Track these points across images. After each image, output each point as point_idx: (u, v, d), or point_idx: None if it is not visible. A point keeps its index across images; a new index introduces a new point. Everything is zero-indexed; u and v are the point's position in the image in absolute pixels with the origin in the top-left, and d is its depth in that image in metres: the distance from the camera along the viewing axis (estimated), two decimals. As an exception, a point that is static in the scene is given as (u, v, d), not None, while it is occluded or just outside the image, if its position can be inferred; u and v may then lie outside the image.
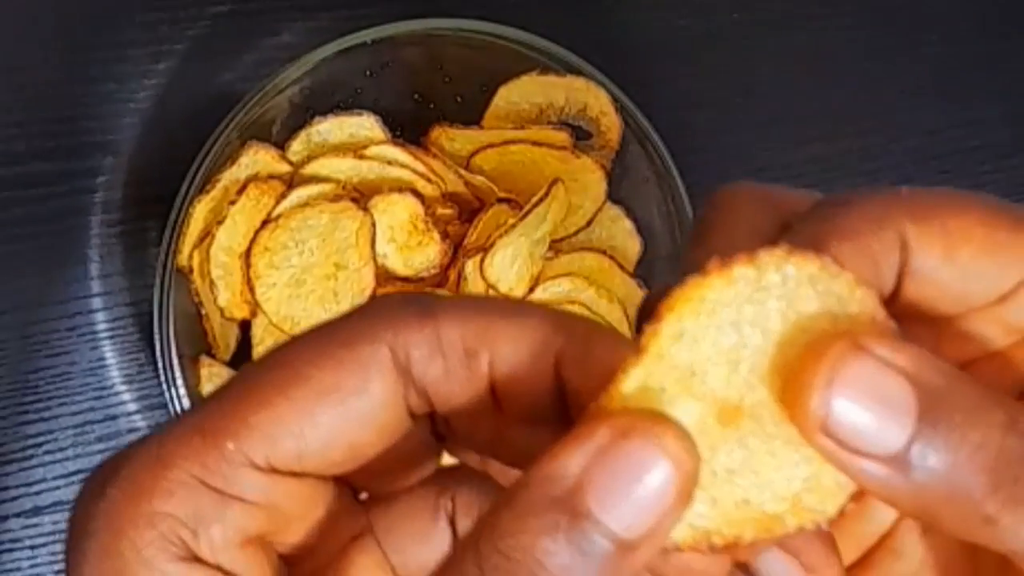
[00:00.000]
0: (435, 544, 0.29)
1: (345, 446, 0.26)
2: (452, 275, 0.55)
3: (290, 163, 0.55)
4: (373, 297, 0.27)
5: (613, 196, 0.58)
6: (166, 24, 0.58)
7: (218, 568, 0.26)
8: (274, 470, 0.26)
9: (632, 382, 0.24)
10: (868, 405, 0.23)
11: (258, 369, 0.26)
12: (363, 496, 0.30)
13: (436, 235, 0.54)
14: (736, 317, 0.24)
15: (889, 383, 0.23)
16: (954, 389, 0.24)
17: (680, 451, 0.23)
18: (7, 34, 0.56)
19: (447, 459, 0.30)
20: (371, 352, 0.26)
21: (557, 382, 0.26)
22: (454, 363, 0.26)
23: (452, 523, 0.29)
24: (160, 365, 0.51)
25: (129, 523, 0.25)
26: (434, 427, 0.29)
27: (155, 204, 0.56)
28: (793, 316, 0.24)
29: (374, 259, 0.54)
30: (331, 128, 0.55)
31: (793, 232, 0.27)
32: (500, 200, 0.55)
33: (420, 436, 0.28)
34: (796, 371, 0.24)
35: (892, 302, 0.27)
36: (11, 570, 0.55)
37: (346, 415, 0.26)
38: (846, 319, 0.24)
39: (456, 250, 0.55)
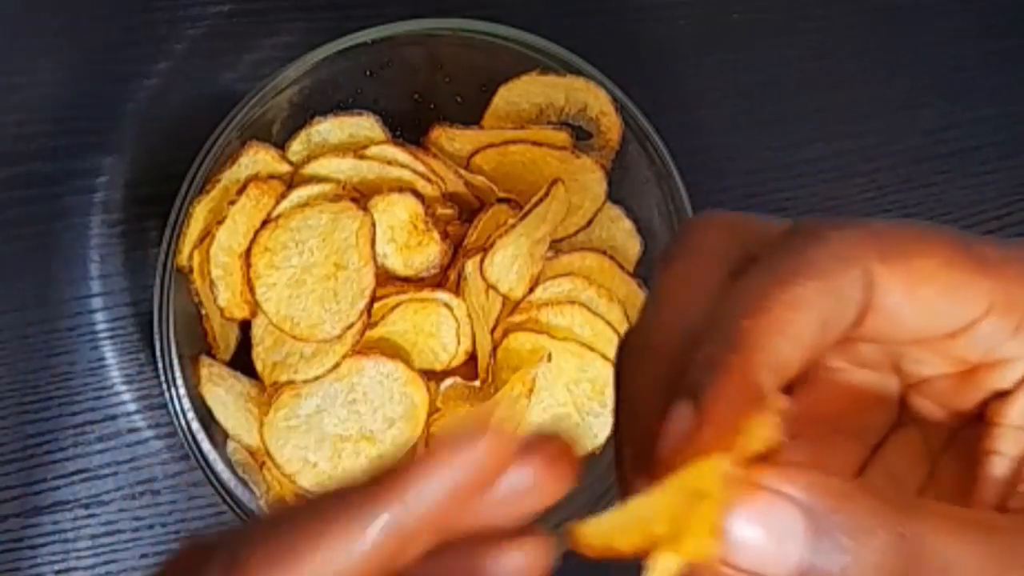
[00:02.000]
0: None
1: None
2: (452, 275, 0.55)
3: (290, 163, 0.55)
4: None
5: (613, 196, 0.58)
6: (166, 24, 0.58)
7: None
8: None
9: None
10: (762, 536, 0.25)
11: None
12: None
13: (436, 235, 0.54)
14: None
15: (780, 513, 0.25)
16: (843, 511, 0.26)
17: None
18: (7, 34, 0.56)
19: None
20: None
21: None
22: None
23: None
24: (160, 365, 0.51)
25: None
26: None
27: (155, 204, 0.56)
28: None
29: (374, 259, 0.54)
30: (331, 128, 0.55)
31: (760, 264, 0.28)
32: (500, 200, 0.55)
33: None
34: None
35: (851, 332, 0.28)
36: (11, 570, 0.55)
37: None
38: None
39: (456, 250, 0.55)
